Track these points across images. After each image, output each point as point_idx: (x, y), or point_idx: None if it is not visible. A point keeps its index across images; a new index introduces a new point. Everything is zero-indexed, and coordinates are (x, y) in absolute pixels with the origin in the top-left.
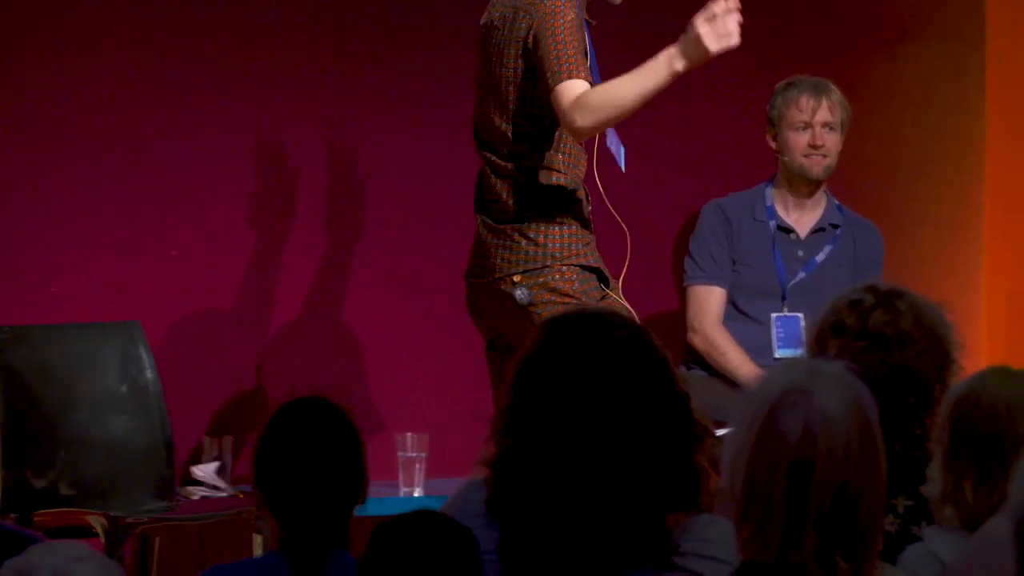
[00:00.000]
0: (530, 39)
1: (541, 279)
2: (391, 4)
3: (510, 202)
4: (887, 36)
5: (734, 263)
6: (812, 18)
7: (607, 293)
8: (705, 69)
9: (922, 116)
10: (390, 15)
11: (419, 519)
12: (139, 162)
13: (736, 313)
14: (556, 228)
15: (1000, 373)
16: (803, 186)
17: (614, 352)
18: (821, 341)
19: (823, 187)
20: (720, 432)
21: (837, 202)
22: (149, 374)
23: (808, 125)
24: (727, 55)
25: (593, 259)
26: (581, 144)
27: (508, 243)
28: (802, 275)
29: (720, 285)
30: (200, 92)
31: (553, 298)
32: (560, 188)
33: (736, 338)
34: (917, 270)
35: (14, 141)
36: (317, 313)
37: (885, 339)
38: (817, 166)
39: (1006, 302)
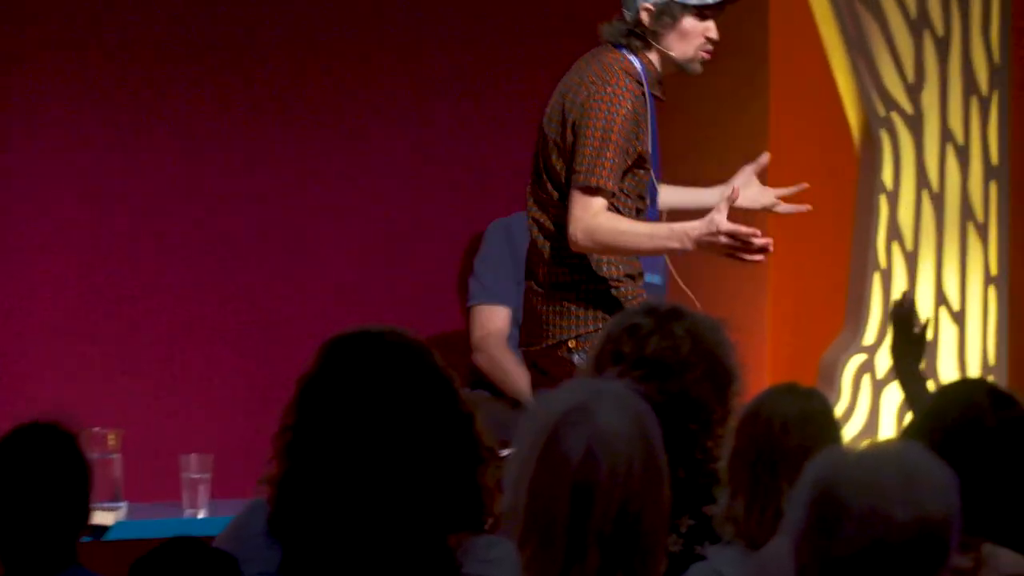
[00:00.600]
0: (573, 117)
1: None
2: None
3: (558, 265)
4: None
5: (519, 283)
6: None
7: None
8: (488, 91)
9: (708, 131)
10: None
11: (175, 548)
12: None
13: (517, 334)
14: (605, 288)
15: (782, 390)
16: None
17: (396, 371)
18: (599, 367)
19: None
20: (505, 452)
21: None
22: None
23: None
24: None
25: None
26: (638, 194)
27: (559, 308)
28: None
29: (504, 304)
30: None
31: None
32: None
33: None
34: (705, 287)
35: None
36: (98, 328)
37: (663, 366)
38: None
39: (791, 315)
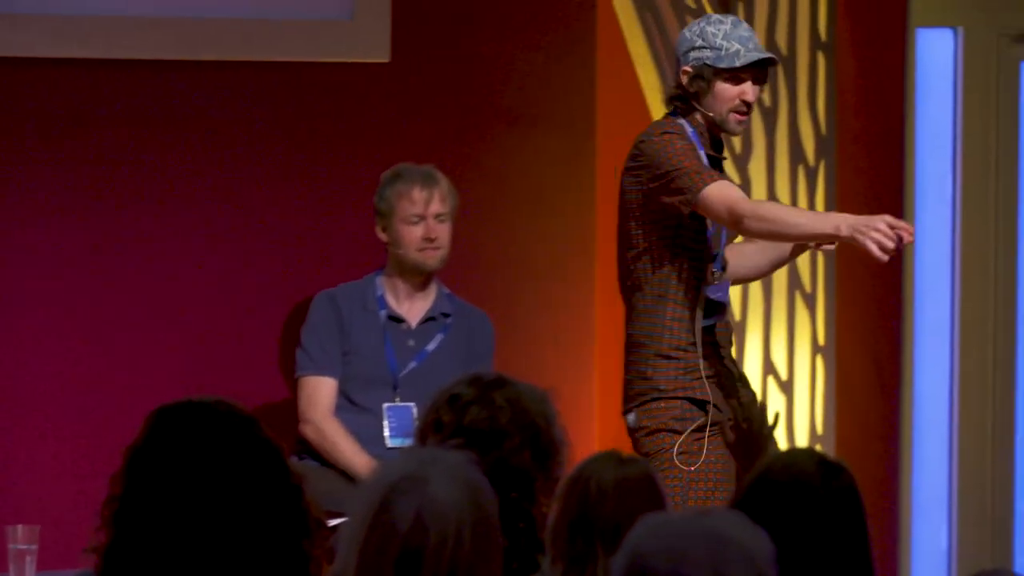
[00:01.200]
0: (643, 162)
1: (646, 408)
2: None
3: (631, 334)
4: (498, 121)
5: (345, 354)
6: (423, 104)
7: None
8: (309, 159)
9: (534, 202)
10: None
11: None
12: None
13: (348, 404)
14: (664, 361)
15: (603, 457)
16: (415, 277)
17: (224, 442)
18: (422, 437)
19: (434, 276)
20: (333, 523)
21: (447, 290)
22: None
23: (421, 218)
24: (336, 144)
25: (700, 392)
26: (701, 270)
27: (629, 377)
28: (413, 365)
29: (331, 376)
30: None
31: (650, 425)
32: (671, 316)
33: (350, 428)
34: (532, 354)
35: None
36: None
37: (481, 435)
38: (432, 259)
39: (619, 385)
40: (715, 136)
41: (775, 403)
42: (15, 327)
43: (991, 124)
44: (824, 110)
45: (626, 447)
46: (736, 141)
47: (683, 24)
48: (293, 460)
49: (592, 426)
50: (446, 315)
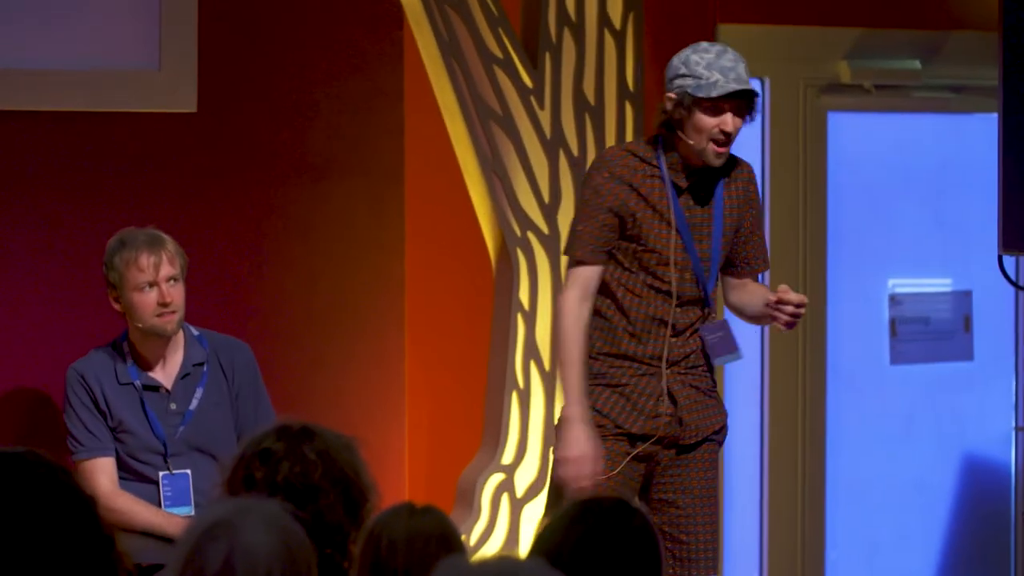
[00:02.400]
0: None
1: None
2: None
3: None
4: (305, 171)
5: (113, 430)
6: (230, 154)
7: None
8: (111, 211)
9: (342, 252)
10: None
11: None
12: None
13: (127, 474)
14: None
15: (397, 511)
16: (157, 342)
17: (33, 493)
18: (232, 490)
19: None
20: None
21: (197, 331)
22: None
23: (154, 283)
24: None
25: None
26: (645, 269)
27: None
28: (181, 428)
29: (106, 455)
30: None
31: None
32: (604, 328)
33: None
34: (342, 403)
35: None
36: None
37: (295, 491)
38: (169, 323)
39: (428, 434)
40: (694, 165)
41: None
42: None
43: (799, 172)
44: None
45: (439, 497)
46: (544, 190)
47: (490, 74)
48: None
49: (403, 474)
50: (200, 364)
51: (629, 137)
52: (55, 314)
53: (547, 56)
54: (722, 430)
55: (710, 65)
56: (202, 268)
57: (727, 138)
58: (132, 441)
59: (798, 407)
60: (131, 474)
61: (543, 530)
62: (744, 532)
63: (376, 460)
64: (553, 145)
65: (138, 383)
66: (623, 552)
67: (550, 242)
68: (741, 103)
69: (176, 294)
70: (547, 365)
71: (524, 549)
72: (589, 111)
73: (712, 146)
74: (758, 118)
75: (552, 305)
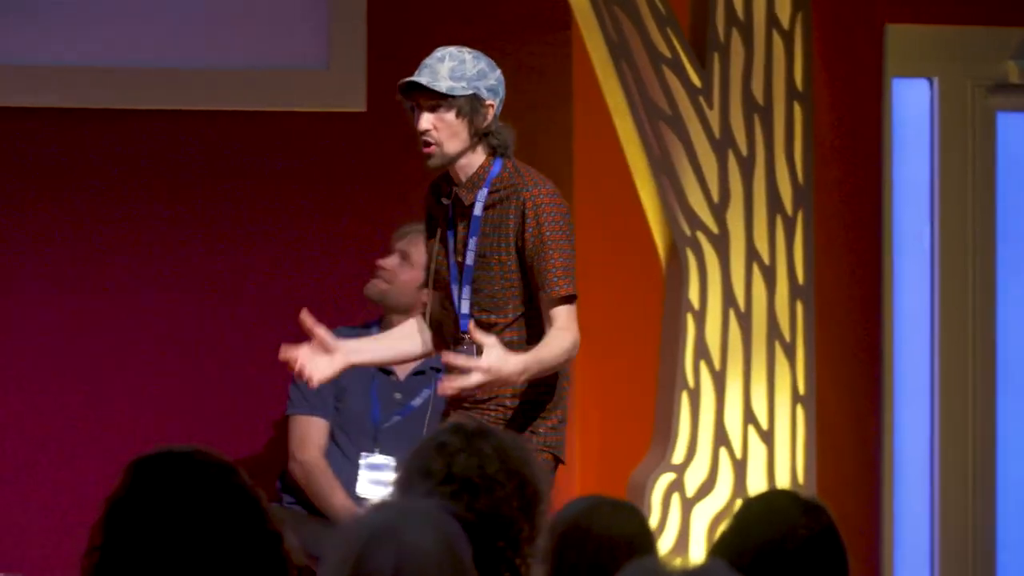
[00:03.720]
0: None
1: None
2: None
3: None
4: None
5: (335, 398)
6: (399, 152)
7: None
8: (291, 208)
9: None
10: None
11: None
12: None
13: (333, 448)
14: None
15: (604, 505)
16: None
17: (202, 491)
18: (407, 484)
19: None
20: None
21: None
22: None
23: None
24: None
25: None
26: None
27: None
28: (397, 418)
29: (322, 416)
30: None
31: None
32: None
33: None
34: None
35: None
36: None
37: (472, 484)
38: (390, 293)
39: (599, 434)
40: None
41: (756, 453)
42: None
43: (968, 173)
44: (801, 160)
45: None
46: (713, 190)
47: (659, 74)
48: (275, 505)
49: (573, 473)
50: (436, 369)
51: (799, 138)
52: (229, 308)
53: (715, 56)
54: None
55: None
56: (372, 266)
57: (427, 136)
58: (348, 414)
59: (968, 409)
60: (337, 448)
61: (725, 532)
62: (915, 535)
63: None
64: (722, 145)
65: None
66: (810, 554)
67: (719, 241)
68: (433, 100)
69: (403, 274)
70: (717, 364)
71: (695, 549)
72: (758, 111)
73: (423, 148)
74: (925, 119)
75: (719, 306)
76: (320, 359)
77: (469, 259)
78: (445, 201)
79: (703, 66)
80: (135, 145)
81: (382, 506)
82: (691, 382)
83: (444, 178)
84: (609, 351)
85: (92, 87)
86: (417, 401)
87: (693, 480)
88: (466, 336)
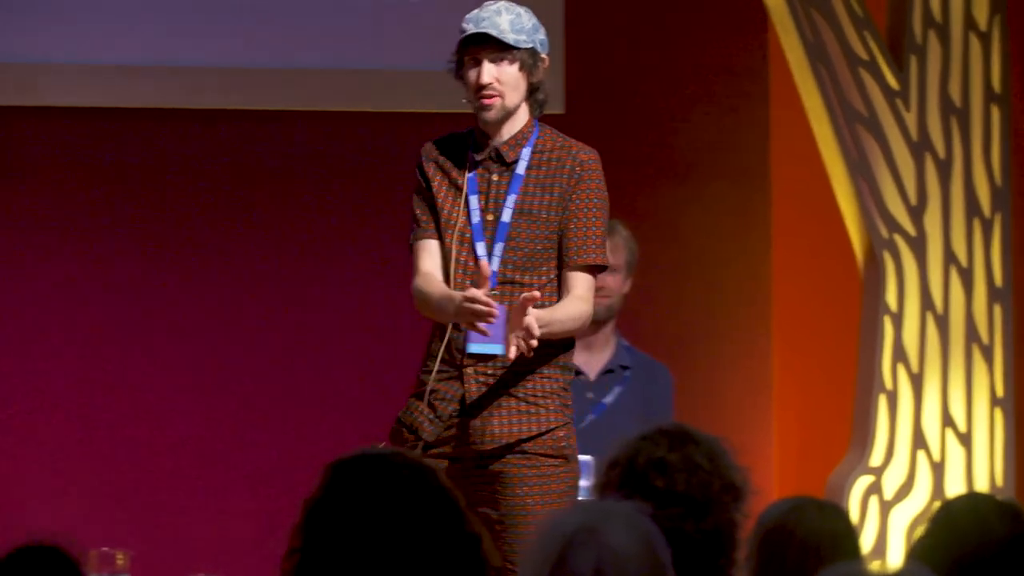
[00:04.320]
0: None
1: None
2: None
3: None
4: (671, 175)
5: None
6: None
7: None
8: None
9: (709, 253)
10: None
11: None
12: None
13: None
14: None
15: (809, 505)
16: (591, 328)
17: (401, 492)
18: (626, 494)
19: (612, 328)
20: None
21: (627, 343)
22: None
23: None
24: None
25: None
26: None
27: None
28: (591, 417)
29: None
30: None
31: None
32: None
33: None
34: (709, 405)
35: None
36: (107, 450)
37: (695, 503)
38: (597, 306)
39: (797, 437)
40: (487, 135)
41: (955, 456)
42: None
43: None
44: (999, 162)
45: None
46: (911, 192)
47: (856, 76)
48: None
49: (771, 475)
50: (624, 367)
51: (996, 140)
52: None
53: (912, 58)
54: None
55: (472, 17)
56: None
57: (487, 88)
58: None
59: None
60: None
61: (923, 535)
62: None
63: (744, 461)
64: (919, 148)
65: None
66: (1010, 557)
67: (917, 244)
68: (496, 52)
69: (611, 282)
70: (914, 367)
71: (893, 552)
72: (955, 113)
73: (479, 101)
74: None
75: (917, 309)
76: None
77: (506, 216)
78: (479, 156)
79: (900, 69)
80: (349, 145)
81: (581, 507)
82: (888, 385)
83: (453, 138)
84: (807, 353)
85: (320, 89)
86: (609, 399)
87: (891, 483)
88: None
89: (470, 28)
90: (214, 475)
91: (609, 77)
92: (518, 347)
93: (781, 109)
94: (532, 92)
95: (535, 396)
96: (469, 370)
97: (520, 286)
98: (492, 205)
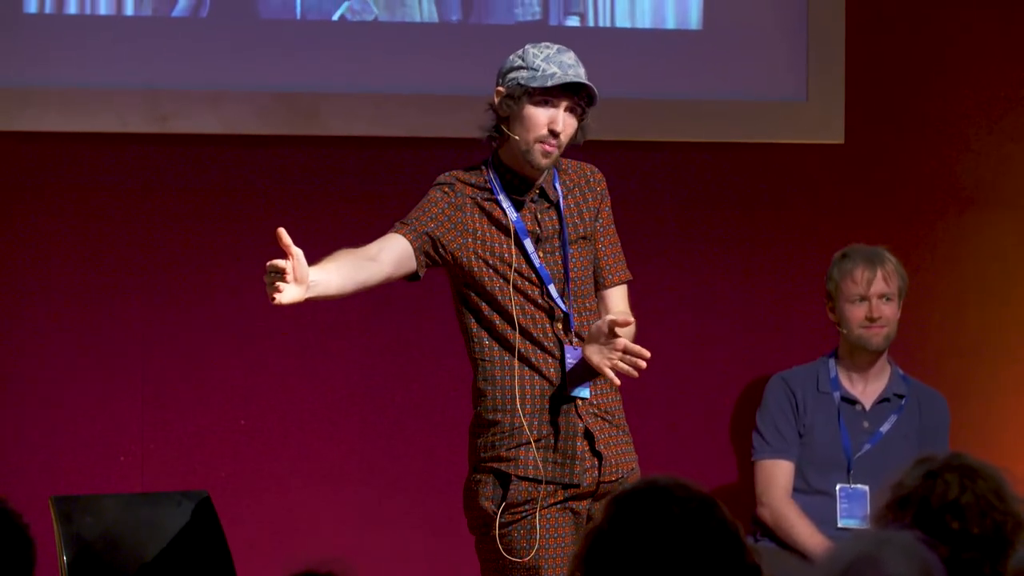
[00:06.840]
0: None
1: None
2: None
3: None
4: (953, 203)
5: (800, 436)
6: (877, 185)
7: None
8: (764, 240)
9: (987, 283)
10: None
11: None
12: (205, 330)
13: (802, 484)
14: (480, 431)
15: None
16: (864, 357)
17: (683, 526)
18: (905, 524)
19: (886, 356)
20: None
21: (901, 371)
22: (217, 543)
23: (864, 297)
24: (790, 224)
25: (504, 465)
26: (510, 351)
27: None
28: (868, 447)
29: (787, 459)
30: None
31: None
32: (483, 394)
33: (803, 509)
34: (985, 436)
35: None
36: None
37: (988, 543)
38: (875, 337)
39: None
40: (527, 178)
41: None
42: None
43: None
44: None
45: None
46: None
47: None
48: (750, 540)
49: None
50: (900, 396)
51: None
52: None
53: None
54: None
55: (549, 59)
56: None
57: (557, 138)
58: (817, 449)
59: None
60: (807, 485)
61: None
62: None
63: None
64: None
65: (837, 394)
66: None
67: None
68: (574, 102)
69: (887, 311)
70: None
71: None
72: None
73: (541, 145)
74: None
75: None
76: (292, 286)
77: (567, 253)
78: (533, 203)
79: None
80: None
81: (859, 537)
82: None
83: (474, 173)
84: None
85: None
86: (885, 427)
87: None
88: (570, 336)
89: (554, 71)
90: None
91: (889, 105)
92: (620, 370)
93: None
94: None
95: (623, 422)
96: (580, 402)
97: (579, 317)
98: (551, 245)
